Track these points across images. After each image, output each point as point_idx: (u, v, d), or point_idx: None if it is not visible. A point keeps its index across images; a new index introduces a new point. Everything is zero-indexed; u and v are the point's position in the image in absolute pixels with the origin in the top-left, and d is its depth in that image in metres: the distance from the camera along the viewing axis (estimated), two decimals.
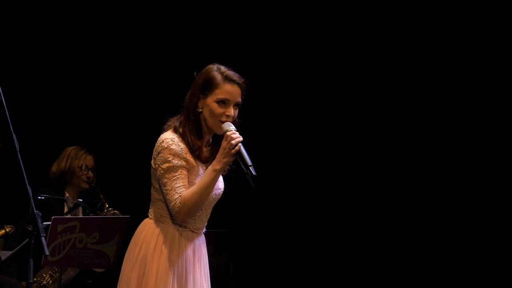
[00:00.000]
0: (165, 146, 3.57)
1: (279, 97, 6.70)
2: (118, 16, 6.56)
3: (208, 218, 3.76)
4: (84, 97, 6.64)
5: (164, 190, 3.56)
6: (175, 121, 3.66)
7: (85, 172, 5.76)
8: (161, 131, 3.66)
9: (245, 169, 3.48)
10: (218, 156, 3.52)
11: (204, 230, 3.76)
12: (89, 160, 5.81)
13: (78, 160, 5.77)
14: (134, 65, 6.66)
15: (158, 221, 3.65)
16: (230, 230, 5.06)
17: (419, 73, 6.47)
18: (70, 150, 5.81)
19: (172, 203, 3.53)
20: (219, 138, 3.64)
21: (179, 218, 3.57)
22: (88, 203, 5.62)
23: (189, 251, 3.67)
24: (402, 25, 6.49)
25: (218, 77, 3.61)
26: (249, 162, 3.47)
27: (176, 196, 3.52)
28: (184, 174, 3.56)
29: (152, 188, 3.68)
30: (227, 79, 3.61)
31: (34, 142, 6.02)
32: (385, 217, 6.55)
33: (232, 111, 3.60)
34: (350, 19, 6.60)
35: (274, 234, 6.47)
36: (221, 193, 3.75)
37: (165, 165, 3.55)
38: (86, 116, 6.64)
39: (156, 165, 3.59)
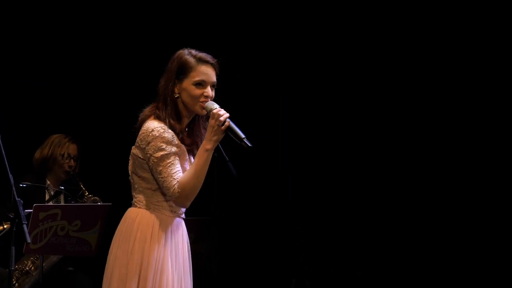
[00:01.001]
0: (157, 134, 3.59)
1: (266, 92, 6.70)
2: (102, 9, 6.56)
3: None
4: (69, 88, 6.65)
5: (160, 178, 3.58)
6: (153, 110, 3.68)
7: (67, 161, 5.74)
8: (137, 121, 3.68)
9: (238, 142, 3.53)
10: (208, 135, 3.57)
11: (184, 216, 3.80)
12: (72, 148, 5.77)
13: (61, 148, 5.75)
14: (119, 57, 6.67)
15: (149, 209, 3.67)
16: (211, 218, 5.10)
17: (409, 68, 6.45)
18: (54, 137, 5.79)
19: (171, 190, 3.55)
20: (193, 122, 3.72)
21: (179, 203, 3.62)
22: (69, 191, 5.61)
23: (181, 237, 3.73)
24: (387, 19, 6.49)
25: (192, 60, 3.65)
26: (242, 135, 3.52)
27: (174, 182, 3.55)
28: (178, 160, 3.60)
29: (135, 177, 3.69)
30: (200, 60, 3.65)
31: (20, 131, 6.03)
32: (369, 209, 6.58)
33: (210, 91, 3.65)
34: (336, 14, 6.57)
35: (255, 222, 6.49)
36: None
37: (158, 154, 3.57)
38: (71, 105, 6.65)
39: (148, 155, 3.60)
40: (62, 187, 5.66)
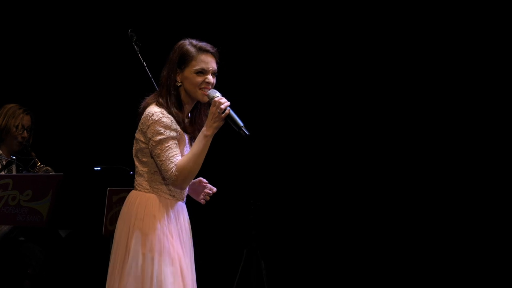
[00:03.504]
0: (156, 119, 3.73)
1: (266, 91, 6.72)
2: None
3: None
4: (22, 57, 6.60)
5: (159, 161, 3.72)
6: (155, 97, 3.82)
7: (21, 132, 5.70)
8: (138, 109, 3.83)
9: (237, 130, 3.66)
10: (208, 121, 3.71)
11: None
12: (26, 120, 5.74)
13: (15, 119, 5.71)
14: (73, 27, 6.64)
15: (149, 192, 3.80)
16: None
17: (409, 67, 6.49)
18: (9, 107, 5.74)
19: (169, 172, 3.69)
20: (195, 110, 3.88)
21: (177, 185, 3.74)
22: (21, 161, 5.58)
23: (186, 221, 3.86)
24: (386, 18, 6.53)
25: (192, 49, 3.81)
26: (240, 123, 3.67)
27: (172, 165, 3.69)
28: (176, 144, 3.74)
29: (136, 161, 3.84)
30: (201, 50, 3.81)
31: None
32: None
33: (211, 79, 3.80)
34: (335, 13, 6.61)
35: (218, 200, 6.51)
36: None
37: (157, 137, 3.71)
38: (23, 74, 6.60)
39: (147, 138, 3.74)
40: (14, 157, 5.63)
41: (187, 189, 3.89)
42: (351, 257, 6.60)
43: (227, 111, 3.68)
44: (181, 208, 3.87)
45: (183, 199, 3.88)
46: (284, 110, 6.70)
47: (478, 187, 6.32)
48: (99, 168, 5.47)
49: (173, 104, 3.78)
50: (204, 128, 3.73)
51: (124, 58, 5.60)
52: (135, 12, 6.58)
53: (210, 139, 3.72)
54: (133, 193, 3.85)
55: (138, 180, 3.83)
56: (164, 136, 3.71)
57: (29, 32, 6.66)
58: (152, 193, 3.79)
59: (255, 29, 6.68)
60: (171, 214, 3.79)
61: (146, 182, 3.80)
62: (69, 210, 5.19)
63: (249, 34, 6.66)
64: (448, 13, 6.36)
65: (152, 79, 4.95)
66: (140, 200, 3.79)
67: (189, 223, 3.92)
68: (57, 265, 5.90)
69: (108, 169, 5.45)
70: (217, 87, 3.80)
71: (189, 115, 3.90)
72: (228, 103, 3.70)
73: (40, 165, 5.57)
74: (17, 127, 5.69)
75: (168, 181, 3.74)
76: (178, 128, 3.76)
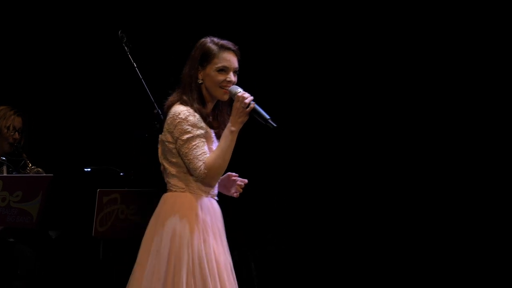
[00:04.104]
0: (183, 117, 3.73)
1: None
2: None
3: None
4: (14, 59, 6.60)
5: (187, 160, 3.73)
6: (178, 96, 3.84)
7: (12, 133, 5.70)
8: (162, 107, 3.86)
9: (264, 122, 3.68)
10: (233, 117, 3.72)
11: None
12: (17, 121, 5.73)
13: (6, 121, 5.70)
14: (65, 29, 6.64)
15: (186, 191, 3.80)
16: (155, 190, 5.10)
17: (409, 67, 6.50)
18: (0, 109, 5.74)
19: (198, 171, 3.69)
20: (216, 108, 3.88)
21: (206, 183, 3.75)
22: (11, 161, 5.58)
23: (216, 216, 3.85)
24: (386, 18, 6.54)
25: (214, 47, 3.81)
26: (266, 116, 3.68)
27: (200, 163, 3.69)
28: (203, 142, 3.74)
29: (166, 164, 3.82)
30: (223, 47, 3.81)
31: None
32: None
33: (232, 77, 3.81)
34: (334, 12, 6.62)
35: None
36: None
37: (184, 136, 3.72)
38: (16, 76, 6.60)
39: (175, 138, 3.73)
40: (4, 158, 5.62)
41: (217, 186, 3.88)
42: (346, 258, 6.60)
43: (251, 105, 3.69)
44: (216, 206, 3.88)
45: (214, 196, 3.88)
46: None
47: (478, 187, 6.33)
48: (89, 169, 5.47)
49: (195, 100, 3.78)
50: (229, 124, 3.73)
51: (114, 59, 5.60)
52: (125, 13, 6.58)
53: (236, 135, 3.73)
54: (168, 194, 3.84)
55: (172, 182, 3.82)
56: (191, 135, 3.71)
57: (18, 34, 6.65)
58: (188, 192, 3.79)
59: (255, 29, 6.66)
60: (207, 212, 3.80)
61: (182, 182, 3.80)
62: (59, 211, 5.18)
63: (250, 33, 6.64)
64: (456, 13, 6.37)
65: (142, 80, 4.95)
66: (174, 200, 3.80)
67: (223, 221, 3.91)
68: (47, 266, 5.88)
69: (98, 170, 5.45)
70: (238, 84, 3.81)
71: (211, 114, 3.89)
72: (252, 97, 3.71)
73: (31, 166, 5.57)
74: (8, 128, 5.68)
75: (196, 179, 3.74)
76: (204, 125, 3.76)
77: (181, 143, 3.72)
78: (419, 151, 6.49)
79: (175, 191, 3.81)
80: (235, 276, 3.84)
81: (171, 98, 3.85)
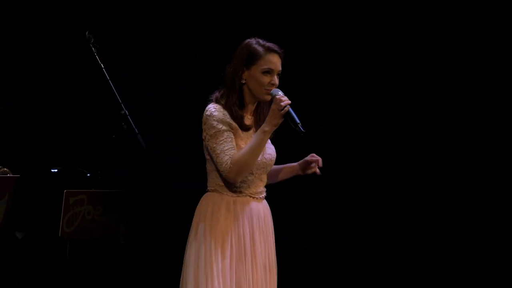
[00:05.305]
0: (209, 114, 3.80)
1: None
2: None
3: (264, 184, 3.96)
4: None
5: (214, 155, 3.78)
6: (214, 96, 3.90)
7: None
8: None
9: (293, 126, 3.73)
10: (268, 118, 3.77)
11: (264, 194, 3.96)
12: None
13: None
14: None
15: (213, 191, 3.87)
16: (122, 191, 5.11)
17: (408, 67, 6.50)
18: None
19: (224, 165, 3.74)
20: (260, 107, 3.94)
21: (231, 178, 3.76)
22: None
23: (246, 216, 3.86)
24: (385, 17, 6.55)
25: (260, 49, 3.85)
26: (297, 120, 3.74)
27: (226, 158, 3.74)
28: (231, 137, 3.80)
29: (206, 161, 3.89)
30: (269, 50, 3.86)
31: None
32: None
33: (276, 80, 3.86)
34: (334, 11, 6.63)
35: (165, 193, 6.51)
36: (272, 158, 3.96)
37: (212, 131, 3.78)
38: None
39: (204, 134, 3.82)
40: None
41: (258, 184, 3.91)
42: (341, 259, 6.64)
43: (286, 108, 3.72)
44: (251, 207, 3.88)
45: (256, 196, 3.90)
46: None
47: (478, 187, 6.36)
48: (56, 170, 5.46)
49: (234, 101, 3.84)
50: (264, 124, 3.78)
51: (81, 59, 5.59)
52: (92, 14, 6.56)
53: (268, 135, 3.78)
54: (204, 195, 3.94)
55: (208, 180, 3.91)
56: (218, 130, 3.78)
57: None
58: (215, 193, 3.86)
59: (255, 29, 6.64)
60: (230, 213, 3.83)
61: (212, 181, 3.87)
62: (26, 212, 5.16)
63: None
64: (457, 13, 6.39)
65: (109, 80, 4.95)
66: (201, 203, 3.89)
67: (266, 223, 3.93)
68: (12, 267, 5.86)
69: (65, 171, 5.44)
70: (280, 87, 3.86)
71: (253, 114, 3.94)
72: (289, 101, 3.75)
73: None
74: None
75: (222, 174, 3.77)
76: (233, 122, 3.81)
77: (209, 138, 3.79)
78: (428, 152, 6.51)
79: (208, 190, 3.90)
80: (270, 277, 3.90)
81: (211, 97, 3.92)
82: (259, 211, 3.92)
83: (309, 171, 4.05)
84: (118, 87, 4.83)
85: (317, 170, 4.04)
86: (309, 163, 4.05)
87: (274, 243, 4.00)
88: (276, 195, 5.30)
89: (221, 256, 3.79)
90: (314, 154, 4.06)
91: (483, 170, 6.36)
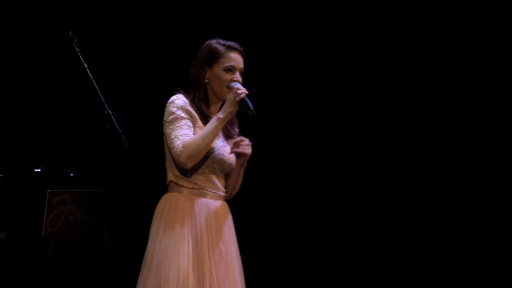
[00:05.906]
0: (170, 101, 3.83)
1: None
2: None
3: (223, 185, 3.94)
4: None
5: (168, 141, 3.79)
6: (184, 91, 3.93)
7: None
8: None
9: (246, 110, 3.75)
10: (224, 106, 3.80)
11: (222, 193, 3.93)
12: None
13: None
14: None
15: (167, 186, 3.88)
16: (105, 191, 5.10)
17: (408, 67, 6.52)
18: None
19: (175, 149, 3.73)
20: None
21: (181, 161, 3.73)
22: None
23: (207, 218, 3.84)
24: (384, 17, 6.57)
25: (221, 47, 3.89)
26: (250, 105, 3.75)
27: (179, 142, 3.73)
28: (188, 125, 3.80)
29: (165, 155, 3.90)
30: (230, 48, 3.90)
31: None
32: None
33: (239, 77, 3.88)
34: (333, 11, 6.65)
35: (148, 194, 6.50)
36: (232, 162, 3.92)
37: (169, 117, 3.79)
38: None
39: (163, 121, 3.82)
40: None
41: (218, 181, 3.89)
42: (341, 259, 6.65)
43: (242, 96, 3.75)
44: (206, 204, 3.86)
45: (212, 192, 3.88)
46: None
47: (478, 187, 6.39)
48: (39, 170, 5.45)
49: (199, 100, 3.86)
50: (219, 112, 3.80)
51: (65, 59, 5.58)
52: (92, 14, 6.55)
53: (223, 122, 3.77)
54: None
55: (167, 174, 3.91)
56: (176, 116, 3.78)
57: None
58: (168, 188, 3.87)
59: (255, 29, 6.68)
60: (186, 215, 3.82)
61: (169, 172, 3.86)
62: (9, 212, 5.16)
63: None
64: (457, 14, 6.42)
65: (93, 81, 4.94)
66: (161, 201, 3.89)
67: (220, 221, 3.88)
68: None
69: (49, 170, 5.44)
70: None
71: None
72: (246, 92, 3.78)
73: None
74: None
75: (174, 158, 3.77)
76: (193, 111, 3.82)
77: (166, 124, 3.80)
78: (428, 152, 6.54)
79: (166, 185, 3.90)
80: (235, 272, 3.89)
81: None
82: (215, 207, 3.89)
83: (241, 151, 3.92)
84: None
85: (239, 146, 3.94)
86: (237, 147, 3.93)
87: (235, 240, 3.96)
88: (276, 195, 5.37)
89: (180, 253, 3.78)
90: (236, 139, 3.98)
91: (483, 170, 6.40)
